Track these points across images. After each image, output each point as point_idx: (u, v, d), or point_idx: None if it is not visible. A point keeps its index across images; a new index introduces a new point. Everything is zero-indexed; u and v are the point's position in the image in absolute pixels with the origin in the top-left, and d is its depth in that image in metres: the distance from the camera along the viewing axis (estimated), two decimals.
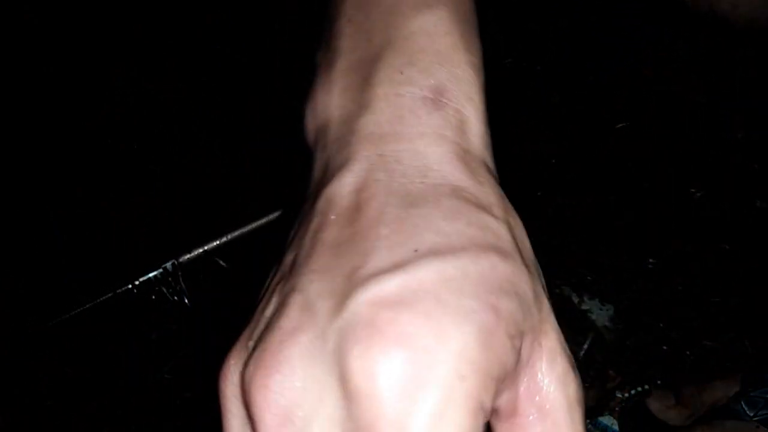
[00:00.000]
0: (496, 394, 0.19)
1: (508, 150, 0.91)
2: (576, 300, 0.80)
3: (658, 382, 0.72)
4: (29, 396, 0.68)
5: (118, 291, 0.71)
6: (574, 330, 0.77)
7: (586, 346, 0.76)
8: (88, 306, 0.70)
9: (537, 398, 0.20)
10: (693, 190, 0.87)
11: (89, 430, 0.69)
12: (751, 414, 0.61)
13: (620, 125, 0.92)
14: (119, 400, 0.70)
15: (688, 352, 0.76)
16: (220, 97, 0.90)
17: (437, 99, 0.22)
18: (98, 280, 0.73)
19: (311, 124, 0.24)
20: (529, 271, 0.20)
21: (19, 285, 0.74)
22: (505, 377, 0.19)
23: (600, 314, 0.79)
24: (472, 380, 0.18)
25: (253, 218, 0.75)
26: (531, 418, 0.20)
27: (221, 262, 0.74)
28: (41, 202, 0.81)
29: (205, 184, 0.83)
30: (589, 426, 0.71)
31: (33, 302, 0.73)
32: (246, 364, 0.19)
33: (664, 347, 0.76)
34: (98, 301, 0.70)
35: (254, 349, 0.20)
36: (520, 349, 0.19)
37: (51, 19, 0.90)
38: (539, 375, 0.20)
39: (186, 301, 0.72)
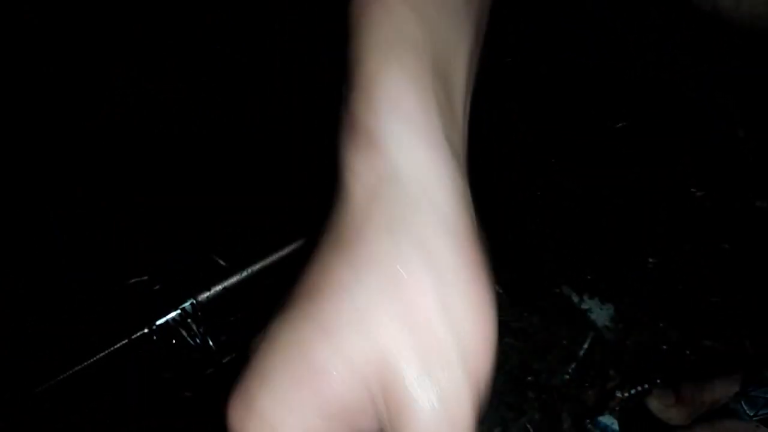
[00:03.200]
0: None
1: (507, 150, 0.91)
2: (576, 300, 0.80)
3: (658, 381, 0.72)
4: (29, 396, 0.68)
5: (133, 337, 0.66)
6: (574, 330, 0.77)
7: (586, 346, 0.76)
8: (103, 354, 0.66)
9: None
10: (693, 190, 0.87)
11: (89, 430, 0.69)
12: (751, 413, 0.60)
13: (620, 125, 0.92)
14: (118, 399, 0.70)
15: (688, 352, 0.75)
16: (220, 97, 0.90)
17: None
18: (99, 281, 0.73)
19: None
20: None
21: (19, 285, 0.74)
22: None
23: (600, 314, 0.79)
24: None
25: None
26: None
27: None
28: (41, 202, 0.81)
29: (207, 192, 0.83)
30: (589, 426, 0.71)
31: (33, 303, 0.73)
32: None
33: (664, 347, 0.76)
34: (112, 348, 0.66)
35: None
36: None
37: (51, 19, 0.90)
38: None
39: (210, 343, 0.68)
